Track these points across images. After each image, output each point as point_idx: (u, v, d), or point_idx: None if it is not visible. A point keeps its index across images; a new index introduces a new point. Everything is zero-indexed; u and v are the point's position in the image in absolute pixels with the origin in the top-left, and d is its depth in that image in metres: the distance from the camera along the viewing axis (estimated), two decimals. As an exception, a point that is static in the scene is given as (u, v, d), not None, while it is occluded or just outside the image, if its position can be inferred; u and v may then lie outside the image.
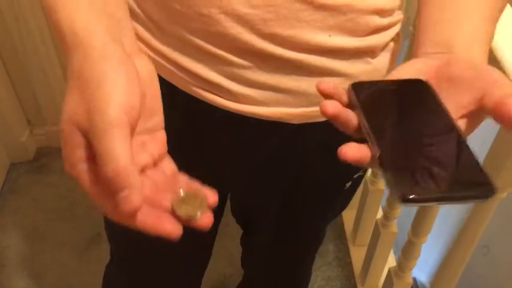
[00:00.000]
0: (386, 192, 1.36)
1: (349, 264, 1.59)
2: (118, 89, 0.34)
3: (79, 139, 0.35)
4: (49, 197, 1.77)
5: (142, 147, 0.38)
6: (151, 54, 0.55)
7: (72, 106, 0.35)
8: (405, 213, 1.29)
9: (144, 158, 0.38)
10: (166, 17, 0.52)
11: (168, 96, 0.56)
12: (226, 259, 1.53)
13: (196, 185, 0.39)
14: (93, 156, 0.34)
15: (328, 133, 0.61)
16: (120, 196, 0.32)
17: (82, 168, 0.35)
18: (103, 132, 0.32)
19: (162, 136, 0.40)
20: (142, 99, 0.37)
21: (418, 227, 1.11)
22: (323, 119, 0.58)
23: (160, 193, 0.37)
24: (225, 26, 0.49)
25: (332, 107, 0.38)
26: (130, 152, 0.33)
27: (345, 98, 0.40)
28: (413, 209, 1.12)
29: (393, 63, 0.61)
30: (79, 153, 0.35)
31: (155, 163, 0.39)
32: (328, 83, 0.40)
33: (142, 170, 0.37)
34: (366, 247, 1.47)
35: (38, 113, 1.82)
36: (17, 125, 1.81)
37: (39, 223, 1.70)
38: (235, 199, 0.84)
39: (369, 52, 0.56)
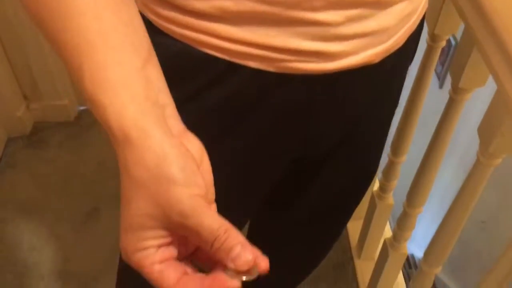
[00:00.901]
0: (381, 164, 1.36)
1: (346, 237, 1.59)
2: (189, 186, 0.38)
3: (154, 223, 0.38)
4: (46, 171, 1.78)
5: None
6: (232, 46, 0.53)
7: (141, 203, 0.38)
8: (402, 185, 1.30)
9: None
10: (258, 3, 0.50)
11: (255, 83, 0.56)
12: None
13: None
14: (162, 244, 0.38)
15: (399, 59, 0.63)
16: (235, 252, 0.36)
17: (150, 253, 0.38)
18: (198, 215, 0.37)
19: (215, 208, 0.42)
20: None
21: (413, 198, 1.11)
22: (398, 46, 0.60)
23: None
24: None
25: None
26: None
27: None
28: (409, 180, 1.12)
29: None
30: (152, 242, 0.38)
31: None
32: None
33: None
34: (362, 220, 1.47)
35: (34, 87, 1.81)
36: (13, 99, 1.80)
37: (37, 197, 1.70)
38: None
39: None
